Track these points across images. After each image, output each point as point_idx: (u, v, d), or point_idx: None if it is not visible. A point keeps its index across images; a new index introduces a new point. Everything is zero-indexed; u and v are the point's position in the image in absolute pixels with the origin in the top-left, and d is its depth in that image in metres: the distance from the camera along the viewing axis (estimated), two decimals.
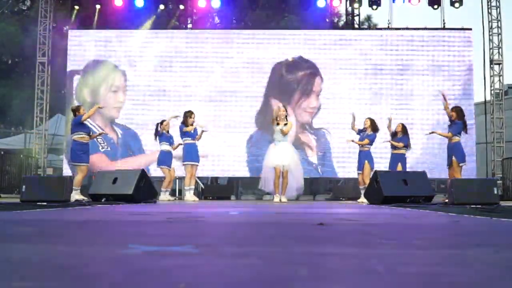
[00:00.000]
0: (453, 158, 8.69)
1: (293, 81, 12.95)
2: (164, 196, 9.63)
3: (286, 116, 9.24)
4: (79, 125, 8.70)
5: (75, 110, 8.92)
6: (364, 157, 9.52)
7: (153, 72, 13.11)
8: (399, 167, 9.36)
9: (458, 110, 8.87)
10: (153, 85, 13.09)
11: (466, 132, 8.99)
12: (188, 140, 9.68)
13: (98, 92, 13.09)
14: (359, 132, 9.76)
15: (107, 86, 13.12)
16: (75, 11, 13.61)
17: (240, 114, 12.88)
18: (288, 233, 2.58)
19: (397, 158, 9.52)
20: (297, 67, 12.95)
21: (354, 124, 9.85)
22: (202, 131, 9.74)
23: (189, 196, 9.64)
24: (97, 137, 9.31)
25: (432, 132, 9.13)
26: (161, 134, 9.80)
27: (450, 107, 9.01)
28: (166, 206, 6.60)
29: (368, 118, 9.91)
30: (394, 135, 9.60)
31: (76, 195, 8.19)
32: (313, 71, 12.97)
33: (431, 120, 12.55)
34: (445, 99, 8.95)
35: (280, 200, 8.95)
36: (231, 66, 13.05)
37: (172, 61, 13.14)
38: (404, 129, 9.61)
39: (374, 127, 9.69)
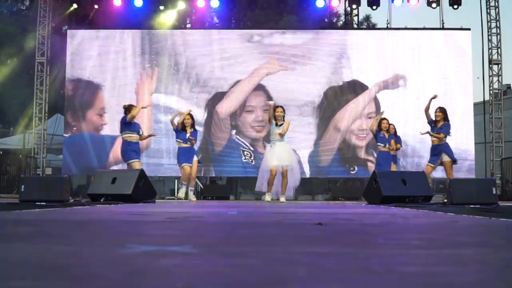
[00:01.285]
0: (446, 156, 8.79)
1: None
2: (182, 192, 9.54)
3: (283, 116, 9.20)
4: (126, 124, 8.76)
5: (127, 109, 8.95)
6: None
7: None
8: (394, 167, 9.53)
9: (444, 111, 9.08)
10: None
11: (449, 134, 9.11)
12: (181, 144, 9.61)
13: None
14: (377, 134, 9.67)
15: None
16: (71, 9, 13.56)
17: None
18: (288, 233, 2.58)
19: (394, 159, 9.70)
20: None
21: (374, 125, 9.81)
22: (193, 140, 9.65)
23: (181, 193, 9.62)
24: (147, 138, 9.32)
25: (427, 132, 9.17)
26: (176, 131, 9.75)
27: (447, 107, 9.17)
28: (165, 206, 6.60)
29: (384, 118, 9.86)
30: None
31: None
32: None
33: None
34: (429, 102, 9.05)
35: (278, 199, 8.96)
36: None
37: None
38: (395, 131, 9.84)
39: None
